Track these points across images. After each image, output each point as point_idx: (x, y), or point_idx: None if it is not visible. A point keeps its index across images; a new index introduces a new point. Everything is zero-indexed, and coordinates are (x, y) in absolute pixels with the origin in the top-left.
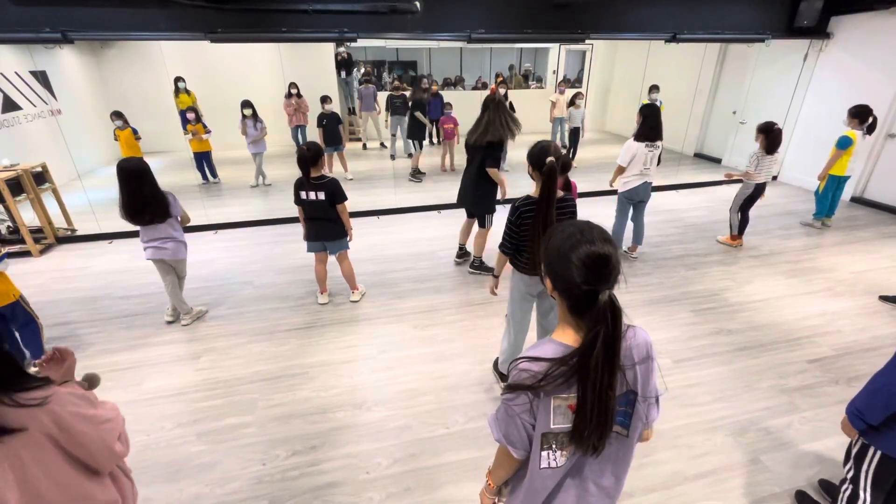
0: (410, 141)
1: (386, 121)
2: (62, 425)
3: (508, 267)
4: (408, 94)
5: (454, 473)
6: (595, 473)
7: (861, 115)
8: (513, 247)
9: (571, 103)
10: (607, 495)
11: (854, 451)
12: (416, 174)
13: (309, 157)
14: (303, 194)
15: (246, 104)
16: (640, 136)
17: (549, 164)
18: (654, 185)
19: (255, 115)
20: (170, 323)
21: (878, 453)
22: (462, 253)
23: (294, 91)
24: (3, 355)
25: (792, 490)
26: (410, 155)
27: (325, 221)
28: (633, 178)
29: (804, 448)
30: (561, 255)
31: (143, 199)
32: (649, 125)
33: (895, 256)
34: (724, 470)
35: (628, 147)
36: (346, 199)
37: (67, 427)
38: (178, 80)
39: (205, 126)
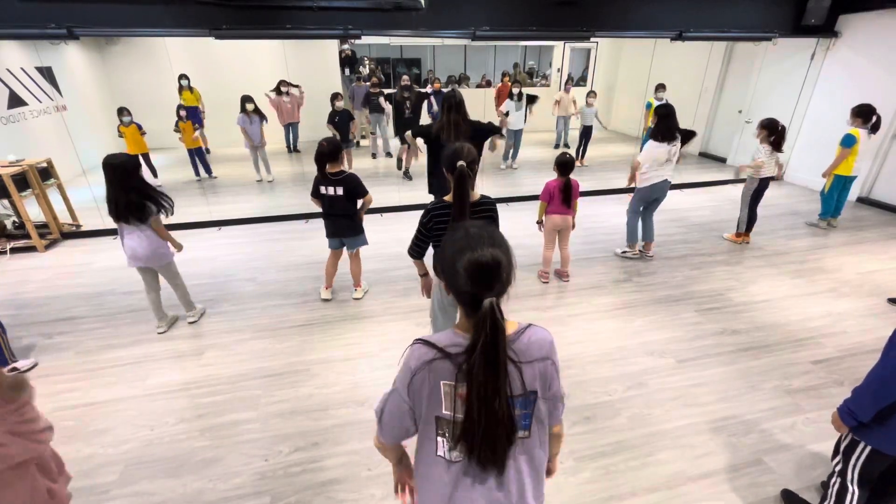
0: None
1: (366, 118)
2: None
3: None
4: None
5: None
6: (501, 477)
7: (864, 115)
8: (420, 251)
9: (585, 101)
10: (520, 497)
11: (843, 445)
12: (406, 173)
13: (327, 152)
14: (322, 189)
15: (248, 99)
16: (657, 136)
17: (460, 168)
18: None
19: (257, 110)
20: (162, 333)
21: (868, 448)
22: None
23: (284, 89)
24: None
25: (795, 490)
26: (389, 154)
27: (343, 218)
28: (654, 175)
29: (808, 449)
30: (448, 260)
31: (128, 196)
32: (665, 125)
33: None
34: (726, 470)
35: (649, 149)
36: (367, 192)
37: None
38: (181, 77)
39: (194, 124)
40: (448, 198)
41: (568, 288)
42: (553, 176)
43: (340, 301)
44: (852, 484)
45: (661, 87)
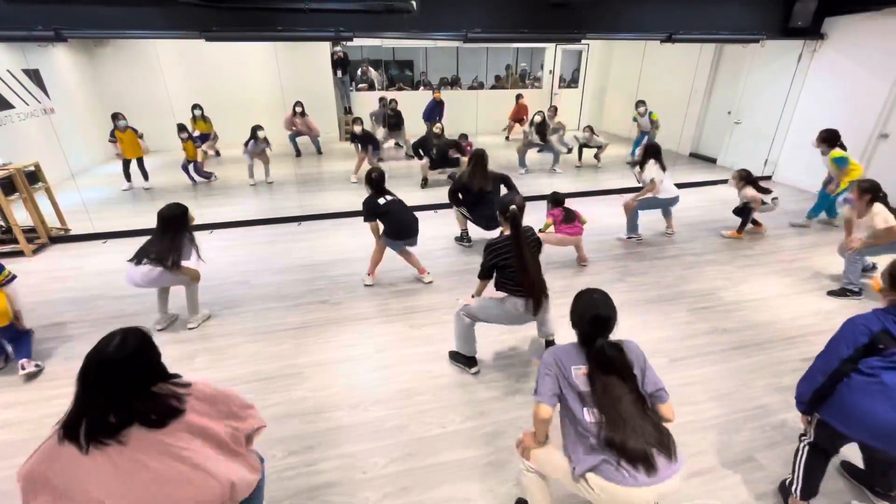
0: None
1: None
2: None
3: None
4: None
5: (451, 473)
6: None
7: (830, 140)
8: (489, 275)
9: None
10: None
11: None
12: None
13: (372, 180)
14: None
15: (259, 128)
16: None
17: (512, 212)
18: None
19: (265, 139)
20: (160, 330)
21: (817, 418)
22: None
23: (299, 110)
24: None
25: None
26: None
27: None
28: (664, 189)
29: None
30: (580, 311)
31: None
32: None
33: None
34: (719, 468)
35: (652, 167)
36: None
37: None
38: (194, 107)
39: (194, 142)
40: (503, 232)
41: (560, 290)
42: None
43: (334, 303)
44: (806, 444)
45: (641, 104)
